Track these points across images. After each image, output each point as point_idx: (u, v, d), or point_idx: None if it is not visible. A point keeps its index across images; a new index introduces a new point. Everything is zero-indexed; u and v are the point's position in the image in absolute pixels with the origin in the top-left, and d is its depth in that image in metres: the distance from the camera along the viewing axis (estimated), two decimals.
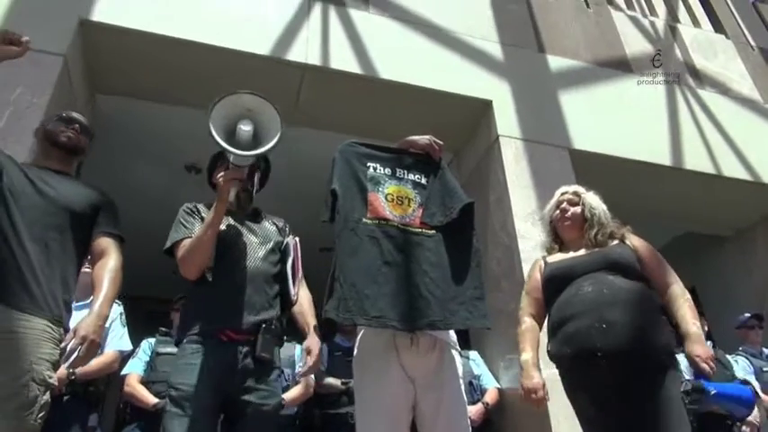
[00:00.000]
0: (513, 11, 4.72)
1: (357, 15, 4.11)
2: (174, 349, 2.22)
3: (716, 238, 5.46)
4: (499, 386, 3.49)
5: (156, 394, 2.92)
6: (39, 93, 2.98)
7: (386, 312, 1.85)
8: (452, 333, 2.07)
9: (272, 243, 2.14)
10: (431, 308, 1.90)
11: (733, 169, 4.56)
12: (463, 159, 4.44)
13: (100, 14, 3.40)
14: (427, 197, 2.13)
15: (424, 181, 2.17)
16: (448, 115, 4.07)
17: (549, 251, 2.41)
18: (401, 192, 2.11)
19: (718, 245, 5.47)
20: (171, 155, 4.29)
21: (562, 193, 2.43)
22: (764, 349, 4.00)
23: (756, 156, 4.67)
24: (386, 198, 2.07)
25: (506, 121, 4.02)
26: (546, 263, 2.33)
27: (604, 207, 2.36)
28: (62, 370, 1.74)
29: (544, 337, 2.25)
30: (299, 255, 2.11)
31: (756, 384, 3.54)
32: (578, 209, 2.33)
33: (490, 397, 3.40)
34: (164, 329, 3.29)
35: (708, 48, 5.40)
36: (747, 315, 4.16)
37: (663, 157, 4.38)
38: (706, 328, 3.64)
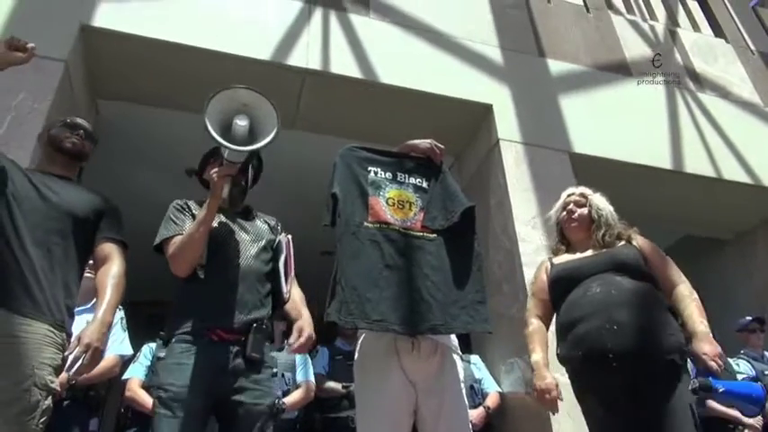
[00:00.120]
0: (513, 15, 4.73)
1: (358, 20, 4.12)
2: None
3: (716, 241, 5.46)
4: (500, 390, 3.49)
5: None
6: (40, 98, 2.98)
7: (387, 316, 1.85)
8: (453, 337, 2.06)
9: (264, 241, 2.11)
10: (432, 312, 1.90)
11: (733, 172, 4.56)
12: (464, 163, 4.45)
13: (101, 20, 3.41)
14: (428, 201, 2.13)
15: (425, 185, 2.18)
16: (448, 119, 4.08)
17: (556, 252, 2.41)
18: (402, 196, 2.11)
19: (718, 248, 5.47)
20: (172, 160, 4.27)
21: (569, 195, 2.43)
22: (766, 352, 3.99)
23: (756, 159, 4.68)
24: (387, 202, 2.07)
25: (507, 124, 4.03)
26: (552, 264, 2.33)
27: (611, 208, 2.36)
28: (62, 374, 1.73)
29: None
30: (292, 252, 2.08)
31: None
32: (585, 210, 2.34)
33: (491, 401, 3.39)
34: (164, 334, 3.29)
35: (708, 52, 5.41)
36: (748, 318, 4.15)
37: (663, 161, 4.38)
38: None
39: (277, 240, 2.13)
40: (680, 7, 5.94)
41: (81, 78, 3.48)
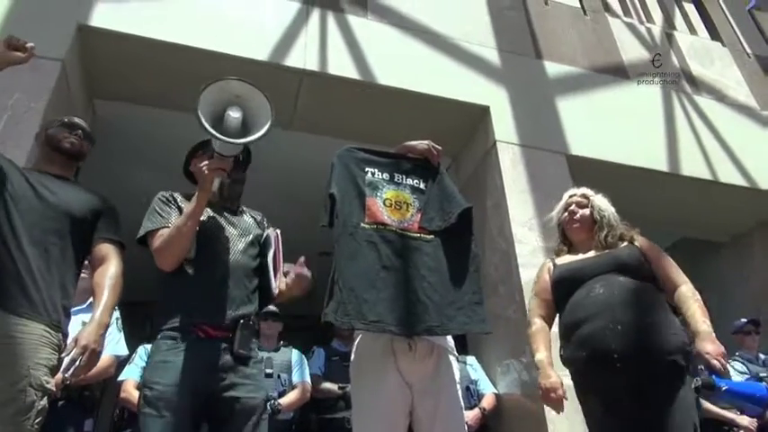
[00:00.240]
0: (510, 17, 4.74)
1: (355, 22, 4.13)
2: None
3: (712, 243, 5.48)
4: (496, 391, 3.50)
5: None
6: (37, 98, 2.98)
7: (384, 317, 1.85)
8: (450, 338, 2.06)
9: (251, 236, 2.06)
10: (428, 313, 1.90)
11: (729, 175, 4.58)
12: (461, 165, 4.45)
13: (98, 20, 3.41)
14: (425, 202, 2.13)
15: (422, 186, 2.17)
16: (445, 121, 4.08)
17: (558, 253, 2.42)
18: (399, 197, 2.11)
19: (714, 250, 5.48)
20: (169, 160, 4.25)
21: (570, 196, 2.44)
22: (761, 354, 4.01)
23: (752, 162, 4.70)
24: (384, 203, 2.07)
25: (504, 126, 4.04)
26: (555, 265, 2.33)
27: (613, 209, 2.37)
28: (57, 375, 1.73)
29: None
30: (281, 247, 2.04)
31: None
32: (587, 211, 2.35)
33: (487, 402, 3.40)
34: None
35: (704, 55, 5.43)
36: (744, 320, 4.16)
37: (659, 163, 4.40)
38: None
39: (265, 235, 2.09)
40: (676, 10, 5.96)
41: (78, 78, 3.48)
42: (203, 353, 1.79)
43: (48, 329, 1.67)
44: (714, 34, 5.87)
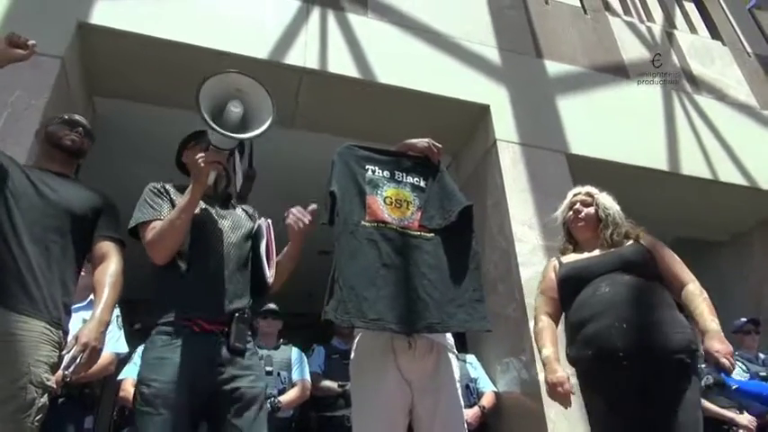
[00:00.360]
0: (510, 16, 4.74)
1: (355, 20, 4.12)
2: None
3: (712, 242, 5.49)
4: (496, 389, 3.50)
5: None
6: (37, 95, 2.98)
7: (384, 315, 1.85)
8: (449, 336, 2.06)
9: (243, 229, 2.04)
10: (429, 310, 1.89)
11: (729, 174, 4.59)
12: (461, 163, 4.45)
13: (98, 17, 3.41)
14: (426, 200, 2.13)
15: (422, 184, 2.17)
16: (446, 119, 4.08)
17: (563, 252, 2.42)
18: (399, 195, 2.10)
19: (714, 249, 5.50)
20: (169, 157, 4.26)
21: (575, 194, 2.44)
22: (761, 354, 4.01)
23: (752, 161, 4.70)
24: (384, 201, 2.06)
25: (504, 125, 4.04)
26: (560, 263, 2.33)
27: (618, 207, 2.37)
28: (57, 372, 1.73)
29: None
30: (273, 237, 2.03)
31: None
32: (592, 209, 2.35)
33: (487, 400, 3.40)
34: None
35: (704, 54, 5.43)
36: (743, 320, 4.16)
37: (660, 163, 4.40)
38: None
39: (257, 225, 2.07)
40: (677, 9, 5.96)
41: (78, 75, 3.47)
42: (200, 348, 1.76)
43: (48, 327, 1.67)
44: (714, 33, 5.87)
